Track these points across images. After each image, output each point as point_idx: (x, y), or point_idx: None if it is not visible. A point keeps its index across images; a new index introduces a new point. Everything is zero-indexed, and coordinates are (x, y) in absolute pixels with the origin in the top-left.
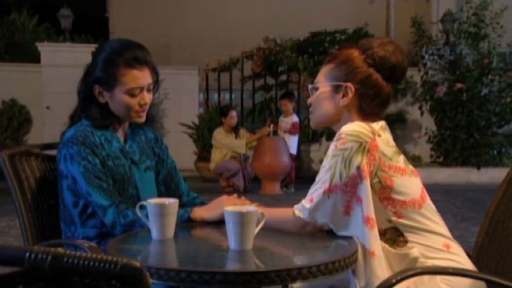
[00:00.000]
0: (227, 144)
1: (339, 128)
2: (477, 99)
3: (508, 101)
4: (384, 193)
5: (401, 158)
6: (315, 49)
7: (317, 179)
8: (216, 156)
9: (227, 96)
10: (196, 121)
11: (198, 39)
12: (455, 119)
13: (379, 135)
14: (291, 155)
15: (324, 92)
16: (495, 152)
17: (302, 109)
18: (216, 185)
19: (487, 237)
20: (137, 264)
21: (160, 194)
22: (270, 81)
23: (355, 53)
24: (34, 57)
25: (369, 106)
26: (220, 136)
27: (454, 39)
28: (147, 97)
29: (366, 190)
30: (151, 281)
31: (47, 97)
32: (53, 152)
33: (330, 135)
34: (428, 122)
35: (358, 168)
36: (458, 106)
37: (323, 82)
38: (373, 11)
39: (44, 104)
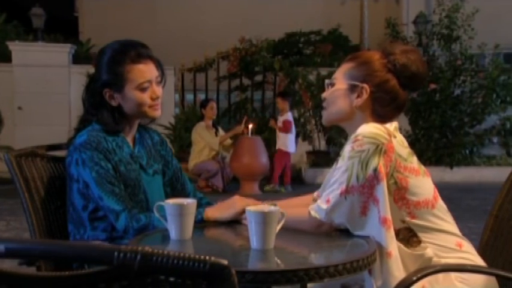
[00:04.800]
0: (206, 138)
1: (350, 126)
2: (450, 99)
3: (479, 101)
4: (399, 194)
5: (415, 158)
6: (290, 49)
7: (332, 180)
8: (196, 149)
9: (202, 96)
10: (173, 121)
11: (171, 39)
12: (429, 119)
13: (395, 137)
14: (285, 153)
15: (339, 89)
16: (467, 152)
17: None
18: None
19: (492, 235)
20: (225, 262)
21: (166, 196)
22: (245, 81)
23: (376, 56)
24: (4, 57)
25: (383, 110)
26: (201, 129)
27: (427, 41)
28: (158, 90)
29: (383, 191)
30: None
31: (19, 97)
32: (57, 153)
33: (306, 136)
34: (402, 122)
35: (375, 170)
36: (432, 107)
37: (341, 79)
38: (345, 12)
39: (15, 104)
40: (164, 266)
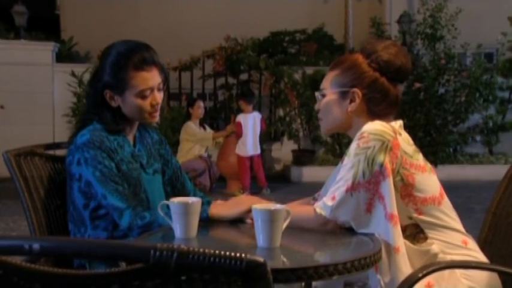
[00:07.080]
0: (197, 135)
1: (350, 131)
2: (434, 98)
3: (463, 100)
4: (406, 190)
5: (421, 156)
6: (275, 48)
7: (338, 177)
8: (184, 148)
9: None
10: (159, 121)
11: (155, 38)
12: (414, 118)
13: (400, 134)
14: (241, 158)
15: (331, 99)
16: (451, 150)
17: (263, 107)
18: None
19: (490, 232)
20: (262, 260)
21: (166, 195)
22: (231, 80)
23: (359, 58)
24: None
25: (378, 108)
26: (191, 128)
27: (411, 40)
28: (158, 97)
29: (389, 187)
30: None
31: (1, 96)
32: (56, 152)
33: (291, 134)
34: None
35: (381, 166)
36: (417, 105)
37: (329, 89)
38: (329, 11)
39: None
40: (201, 263)
